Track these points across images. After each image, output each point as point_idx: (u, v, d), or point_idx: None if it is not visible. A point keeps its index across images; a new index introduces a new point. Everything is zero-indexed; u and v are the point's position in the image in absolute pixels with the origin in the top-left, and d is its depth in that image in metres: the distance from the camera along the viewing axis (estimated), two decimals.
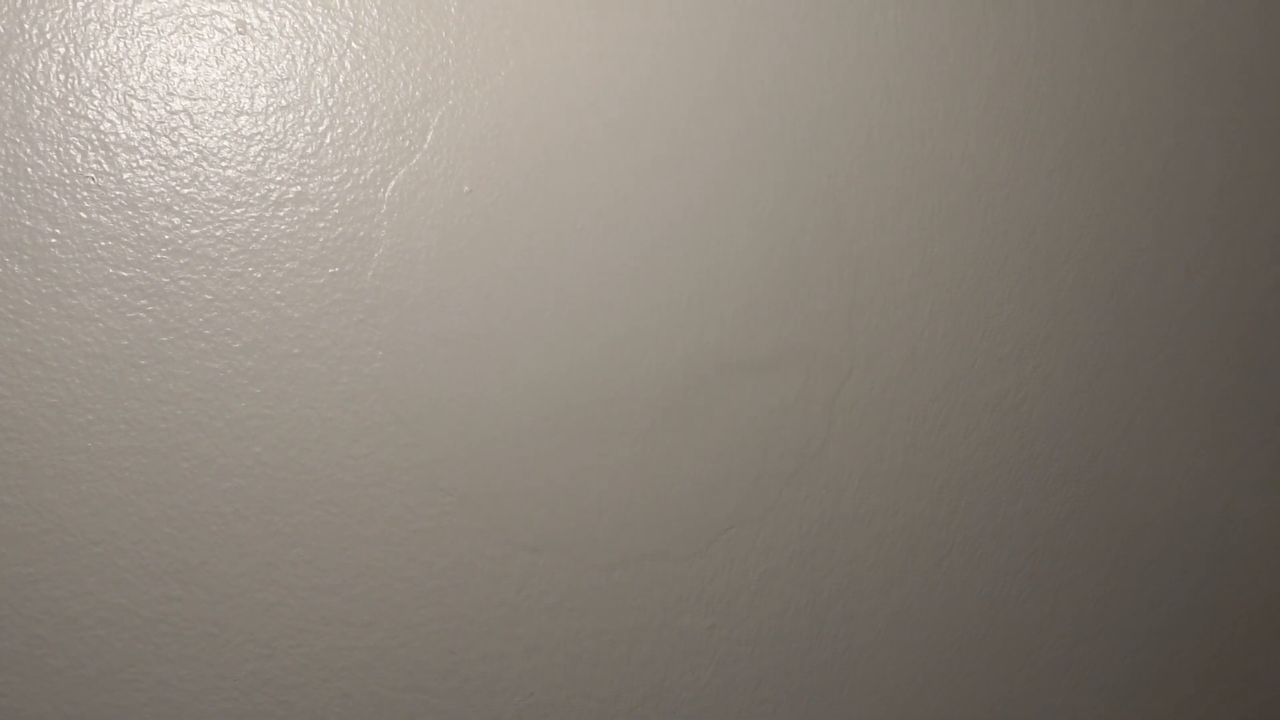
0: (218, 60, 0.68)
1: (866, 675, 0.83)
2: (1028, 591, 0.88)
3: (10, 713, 0.64)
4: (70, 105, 0.66)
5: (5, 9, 0.65)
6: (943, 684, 0.85)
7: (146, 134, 0.67)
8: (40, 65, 0.66)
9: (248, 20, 0.69)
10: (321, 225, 0.71)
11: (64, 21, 0.66)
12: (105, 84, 0.67)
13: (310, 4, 0.71)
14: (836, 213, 0.84)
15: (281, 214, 0.70)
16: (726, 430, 0.80)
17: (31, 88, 0.65)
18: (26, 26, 0.66)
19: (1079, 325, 0.89)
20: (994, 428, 0.88)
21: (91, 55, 0.67)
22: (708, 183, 0.80)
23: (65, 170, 0.66)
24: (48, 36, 0.66)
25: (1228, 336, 0.93)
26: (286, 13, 0.70)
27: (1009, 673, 0.87)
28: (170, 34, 0.68)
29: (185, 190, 0.68)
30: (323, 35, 0.71)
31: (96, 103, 0.66)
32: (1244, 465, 0.93)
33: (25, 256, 0.65)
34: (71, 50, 0.66)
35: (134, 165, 0.67)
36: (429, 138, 0.73)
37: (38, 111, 0.65)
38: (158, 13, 0.68)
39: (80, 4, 0.67)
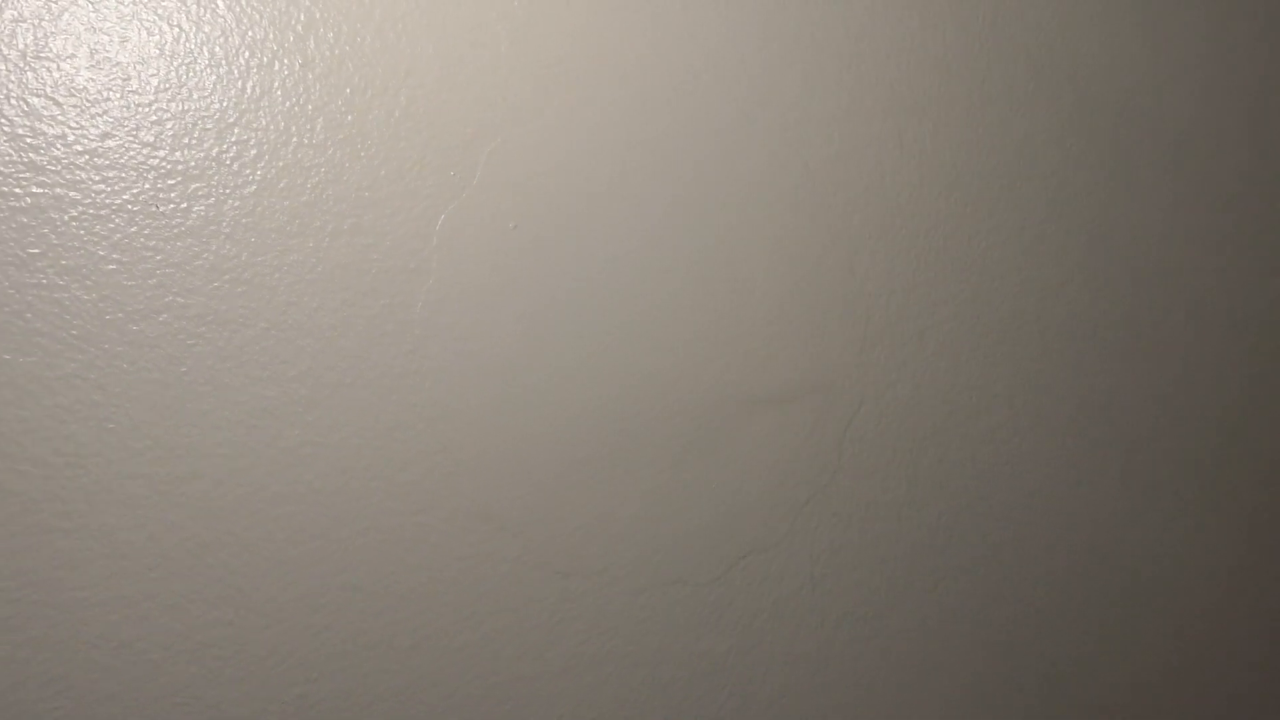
0: (284, 93, 0.76)
1: (869, 696, 0.96)
2: (1017, 617, 1.02)
3: None
4: (141, 135, 0.73)
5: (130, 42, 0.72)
6: (934, 705, 0.99)
7: (212, 165, 0.74)
8: (106, 92, 0.72)
9: (310, 55, 0.77)
10: (375, 257, 0.79)
11: (138, 57, 0.73)
12: (180, 117, 0.74)
13: (369, 40, 0.79)
14: (850, 255, 0.97)
15: (338, 245, 0.78)
16: (746, 461, 0.92)
17: (103, 119, 0.72)
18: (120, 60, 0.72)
19: (1067, 364, 1.05)
20: (987, 460, 1.02)
21: (153, 81, 0.74)
22: (732, 224, 0.92)
23: (132, 198, 0.72)
24: (121, 64, 0.73)
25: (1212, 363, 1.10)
26: (346, 48, 0.78)
27: (998, 692, 1.01)
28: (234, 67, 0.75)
29: (245, 220, 0.75)
30: (380, 70, 0.79)
31: (168, 136, 0.73)
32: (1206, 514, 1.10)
33: (89, 282, 0.71)
34: (135, 82, 0.73)
35: (198, 194, 0.74)
36: (478, 174, 0.82)
37: (111, 143, 0.72)
38: (220, 50, 0.75)
39: (153, 46, 0.74)
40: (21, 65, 0.70)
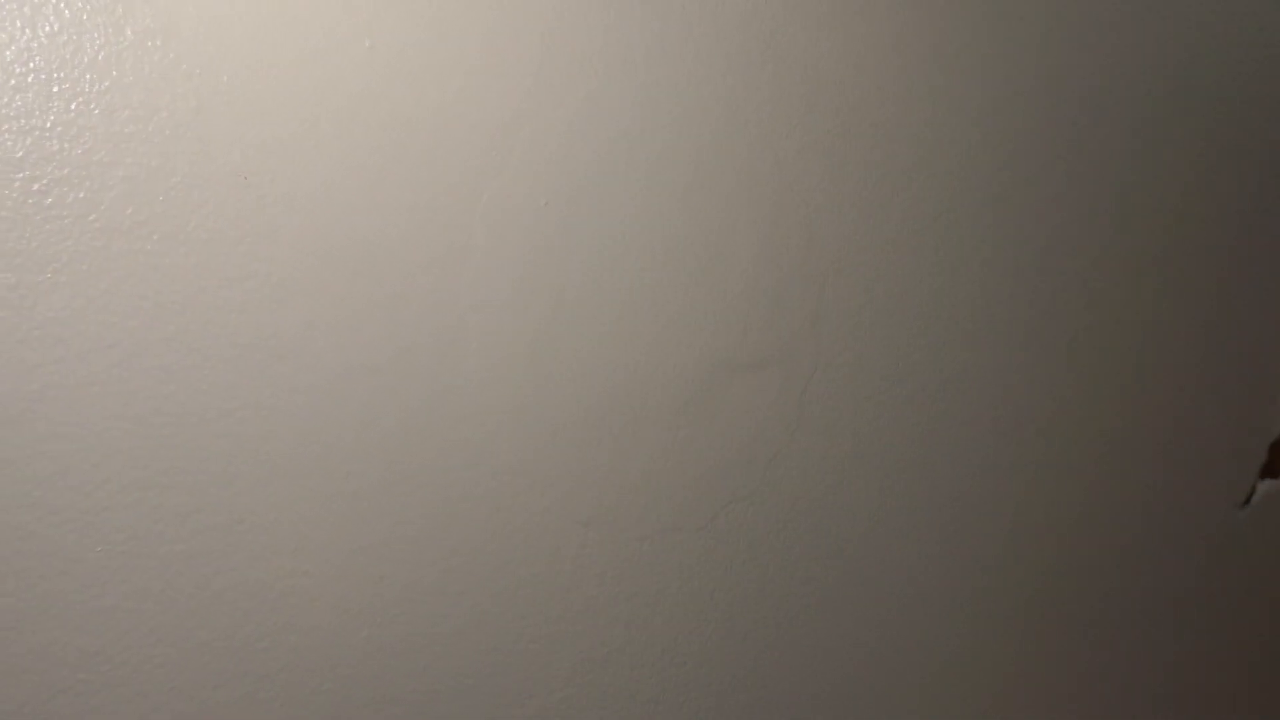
0: (357, 72, 0.91)
1: (824, 626, 1.24)
2: (936, 553, 1.34)
3: (162, 682, 0.83)
4: (239, 109, 0.86)
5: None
6: (878, 637, 1.29)
7: (294, 140, 0.88)
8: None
9: (371, 43, 0.92)
10: (430, 232, 0.96)
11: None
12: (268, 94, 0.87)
13: (424, 31, 0.95)
14: (809, 239, 1.24)
15: (399, 220, 0.94)
16: (728, 420, 1.16)
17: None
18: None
19: (984, 333, 1.37)
20: (916, 419, 1.33)
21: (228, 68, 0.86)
22: (716, 209, 1.15)
23: (228, 169, 0.85)
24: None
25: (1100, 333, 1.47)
26: (408, 38, 0.94)
27: (921, 617, 1.32)
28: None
29: (320, 195, 0.90)
30: (436, 58, 0.96)
31: (254, 112, 0.87)
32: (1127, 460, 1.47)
33: (187, 248, 0.83)
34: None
35: (279, 171, 0.88)
36: (516, 156, 1.01)
37: (220, 118, 0.84)
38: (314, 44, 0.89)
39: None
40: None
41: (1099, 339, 1.48)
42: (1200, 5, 1.49)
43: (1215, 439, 1.59)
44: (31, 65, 0.79)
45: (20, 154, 0.78)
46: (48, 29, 0.79)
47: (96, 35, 0.81)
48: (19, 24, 0.78)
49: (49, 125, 0.79)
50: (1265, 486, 1.67)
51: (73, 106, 0.80)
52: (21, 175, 0.79)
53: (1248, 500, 1.66)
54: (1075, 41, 1.41)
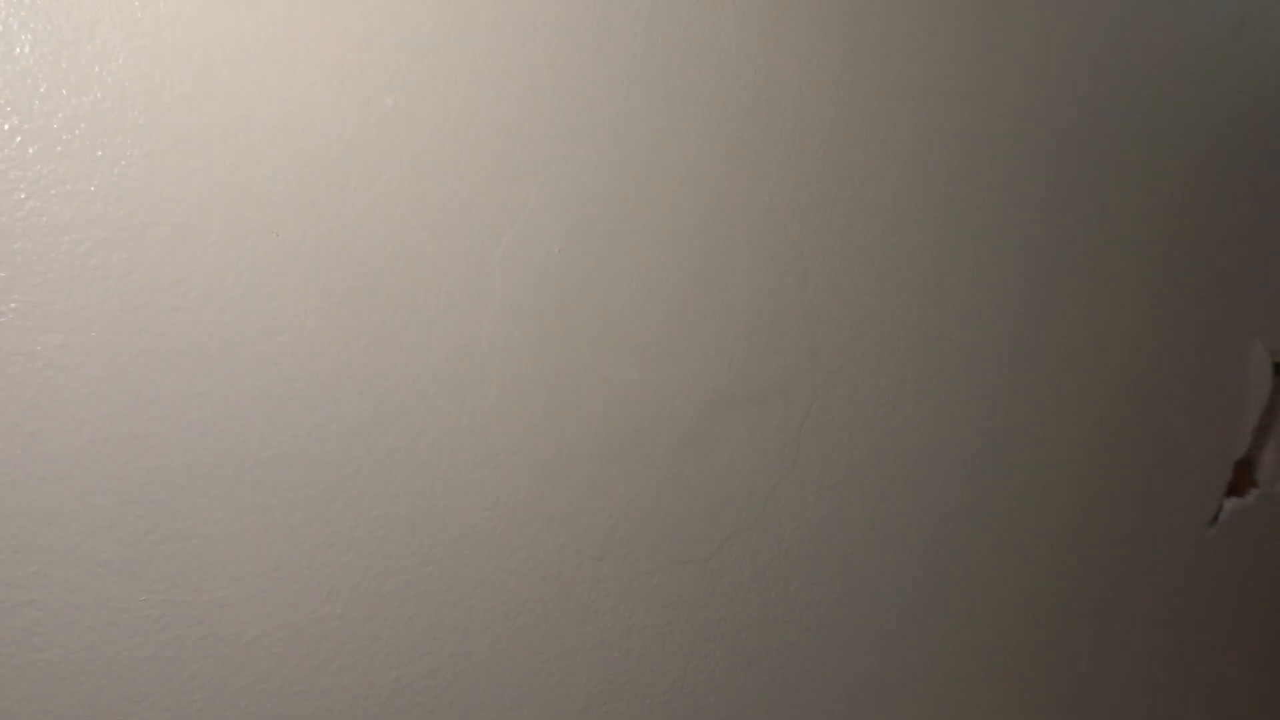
0: (381, 127, 1.00)
1: (826, 648, 1.35)
2: (925, 576, 1.46)
3: None
4: (270, 167, 0.94)
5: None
6: (879, 655, 1.40)
7: (322, 198, 0.97)
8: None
9: (394, 102, 1.02)
10: (452, 278, 1.05)
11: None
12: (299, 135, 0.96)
13: (445, 86, 1.04)
14: (804, 274, 1.35)
15: (422, 268, 1.03)
16: (730, 452, 1.27)
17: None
18: None
19: (970, 361, 1.50)
20: (907, 445, 1.45)
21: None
22: (718, 249, 1.26)
23: (261, 225, 0.94)
24: None
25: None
26: (429, 94, 1.03)
27: (920, 639, 1.44)
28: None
29: (348, 247, 0.99)
30: (454, 112, 1.05)
31: (284, 170, 0.96)
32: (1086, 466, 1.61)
33: (222, 304, 0.92)
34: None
35: (308, 226, 0.97)
36: (531, 202, 1.10)
37: (254, 176, 0.93)
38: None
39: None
40: None
41: (1084, 363, 1.62)
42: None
43: (1185, 461, 1.74)
44: (77, 131, 0.87)
45: (68, 218, 0.86)
46: (91, 97, 0.87)
47: (138, 100, 0.89)
48: (65, 92, 0.86)
49: (93, 190, 0.88)
50: (1231, 505, 1.83)
51: (115, 170, 0.88)
52: (68, 238, 0.87)
53: (1215, 518, 1.81)
54: (1066, 71, 1.55)
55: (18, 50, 0.85)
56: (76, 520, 0.88)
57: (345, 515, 0.99)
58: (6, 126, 0.85)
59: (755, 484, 1.30)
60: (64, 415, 0.87)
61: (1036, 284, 1.58)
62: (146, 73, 0.90)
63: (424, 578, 1.04)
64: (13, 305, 0.86)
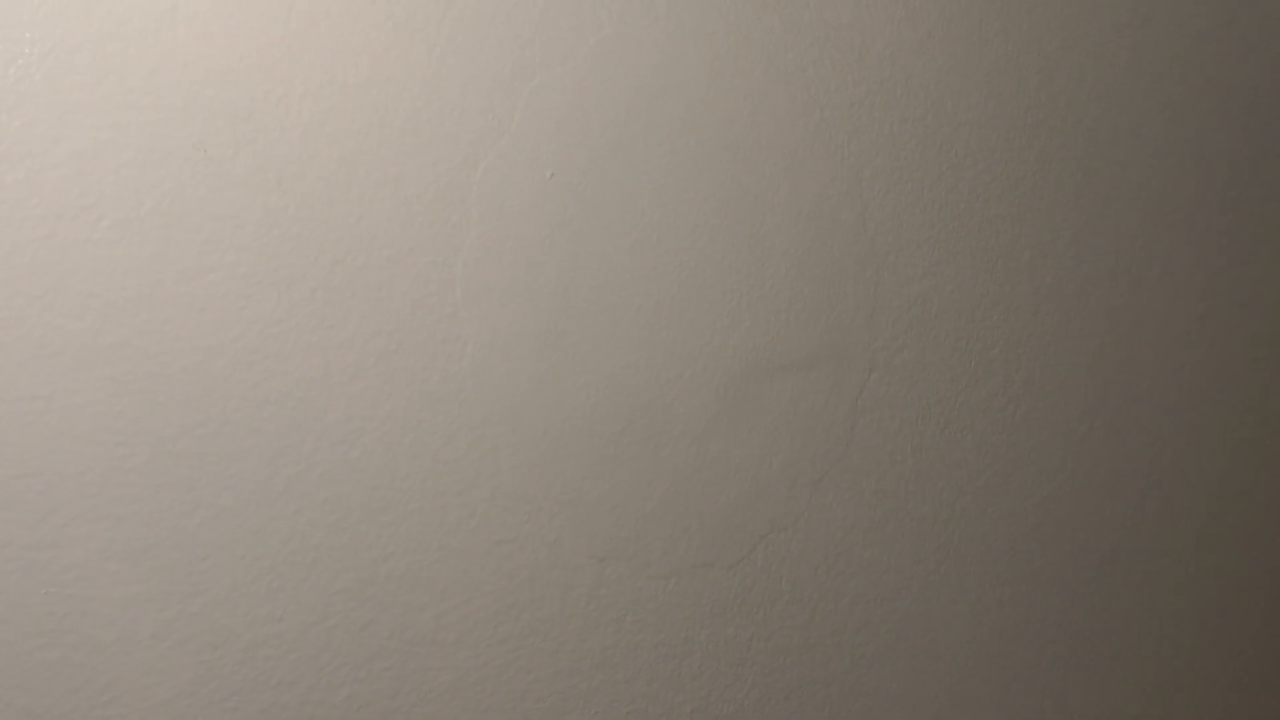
0: (331, 22, 1.02)
1: (877, 683, 1.37)
2: (1011, 594, 1.47)
3: None
4: (190, 73, 0.97)
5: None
6: (948, 693, 1.42)
7: (260, 109, 1.00)
8: None
9: None
10: (418, 209, 1.07)
11: None
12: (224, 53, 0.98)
13: None
14: (863, 212, 1.36)
15: (383, 195, 1.05)
16: (767, 433, 1.29)
17: None
18: None
19: (1057, 326, 1.50)
20: (985, 429, 1.45)
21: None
22: (752, 177, 1.27)
23: (186, 140, 0.96)
24: None
25: (1183, 333, 1.61)
26: None
27: (1002, 674, 1.45)
28: None
29: (291, 168, 1.01)
30: (422, 3, 1.07)
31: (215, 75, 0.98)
32: (1205, 457, 1.61)
33: (141, 236, 0.95)
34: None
35: (241, 142, 0.99)
36: (516, 117, 1.12)
37: (177, 80, 0.96)
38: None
39: None
40: None
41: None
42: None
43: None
44: None
45: None
46: None
47: None
48: None
49: None
50: None
51: (10, 72, 0.91)
52: None
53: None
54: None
55: None
56: None
57: (286, 496, 1.02)
58: None
59: (797, 472, 1.31)
60: None
61: (1164, 230, 1.58)
62: None
63: (383, 575, 1.07)
64: None
